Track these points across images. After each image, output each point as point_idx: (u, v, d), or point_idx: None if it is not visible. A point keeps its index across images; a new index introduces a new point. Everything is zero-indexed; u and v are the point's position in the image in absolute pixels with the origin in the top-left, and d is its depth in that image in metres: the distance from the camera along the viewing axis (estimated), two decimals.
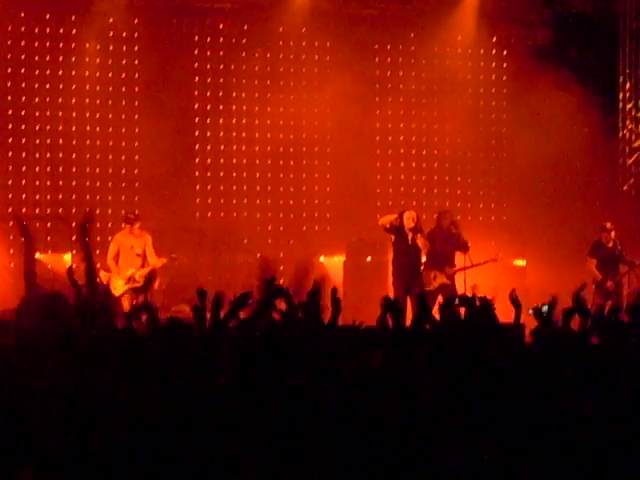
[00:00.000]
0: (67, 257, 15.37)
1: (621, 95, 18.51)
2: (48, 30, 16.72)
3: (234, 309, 4.30)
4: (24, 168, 16.87)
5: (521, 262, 17.32)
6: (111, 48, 17.00)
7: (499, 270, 15.25)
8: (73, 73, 16.86)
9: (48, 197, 16.87)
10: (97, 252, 13.41)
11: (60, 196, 16.88)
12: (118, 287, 13.56)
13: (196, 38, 17.45)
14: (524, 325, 4.55)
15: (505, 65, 18.43)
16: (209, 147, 17.54)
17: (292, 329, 4.17)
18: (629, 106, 18.50)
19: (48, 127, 16.87)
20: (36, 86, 16.75)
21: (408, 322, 4.57)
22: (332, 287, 4.70)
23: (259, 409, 3.61)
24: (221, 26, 17.48)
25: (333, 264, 16.66)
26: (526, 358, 4.20)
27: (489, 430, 3.62)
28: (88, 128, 16.98)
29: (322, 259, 16.96)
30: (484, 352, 4.10)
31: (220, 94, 17.51)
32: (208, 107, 17.47)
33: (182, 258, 14.88)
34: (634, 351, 4.31)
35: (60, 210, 16.85)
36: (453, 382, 3.82)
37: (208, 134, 17.54)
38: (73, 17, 16.76)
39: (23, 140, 16.85)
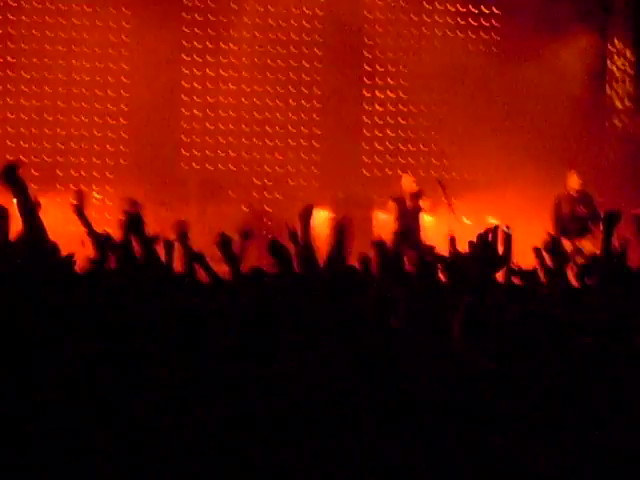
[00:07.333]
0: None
1: (609, 52, 18.58)
2: None
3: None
4: (9, 115, 16.82)
5: (494, 221, 17.26)
6: None
7: (474, 229, 15.25)
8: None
9: (34, 145, 16.86)
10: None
11: (47, 145, 16.88)
12: None
13: None
14: None
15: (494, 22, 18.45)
16: (196, 98, 17.48)
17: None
18: (617, 65, 18.53)
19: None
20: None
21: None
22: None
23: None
24: None
25: (319, 219, 16.64)
26: None
27: None
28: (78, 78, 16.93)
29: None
30: None
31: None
32: (197, 58, 17.40)
33: (169, 209, 14.82)
34: None
35: (45, 158, 16.82)
36: None
37: (196, 85, 17.48)
38: None
39: (8, 86, 16.79)
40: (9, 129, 16.65)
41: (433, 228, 15.65)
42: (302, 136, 17.68)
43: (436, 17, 18.21)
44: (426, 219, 15.57)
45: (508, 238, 4.83)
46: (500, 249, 4.80)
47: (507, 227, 4.80)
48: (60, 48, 16.78)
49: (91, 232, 4.81)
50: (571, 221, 13.59)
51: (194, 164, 17.37)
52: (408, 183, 13.58)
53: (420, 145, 18.33)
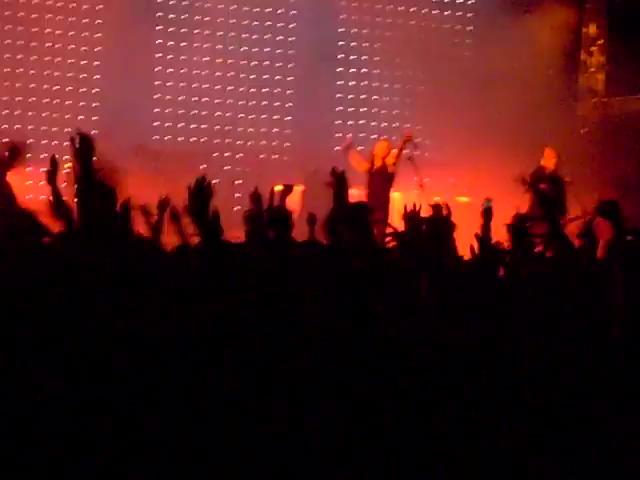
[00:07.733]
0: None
1: (583, 33, 18.68)
2: None
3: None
4: None
5: (464, 199, 17.26)
6: None
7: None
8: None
9: (5, 112, 16.80)
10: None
11: (18, 111, 16.82)
12: None
13: None
14: None
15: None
16: (170, 68, 17.42)
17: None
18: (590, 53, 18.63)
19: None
20: None
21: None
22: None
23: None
24: None
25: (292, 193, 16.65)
26: None
27: None
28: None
29: (278, 188, 16.93)
30: None
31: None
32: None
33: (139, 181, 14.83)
34: None
35: (16, 127, 16.76)
36: None
37: (169, 55, 17.43)
38: None
39: None
40: None
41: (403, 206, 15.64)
42: (275, 110, 17.66)
43: None
44: (396, 197, 15.58)
45: (488, 211, 4.85)
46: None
47: (488, 200, 4.81)
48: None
49: (58, 202, 4.66)
50: (541, 203, 13.62)
51: (166, 136, 17.33)
52: (381, 149, 13.63)
53: (392, 123, 18.34)
